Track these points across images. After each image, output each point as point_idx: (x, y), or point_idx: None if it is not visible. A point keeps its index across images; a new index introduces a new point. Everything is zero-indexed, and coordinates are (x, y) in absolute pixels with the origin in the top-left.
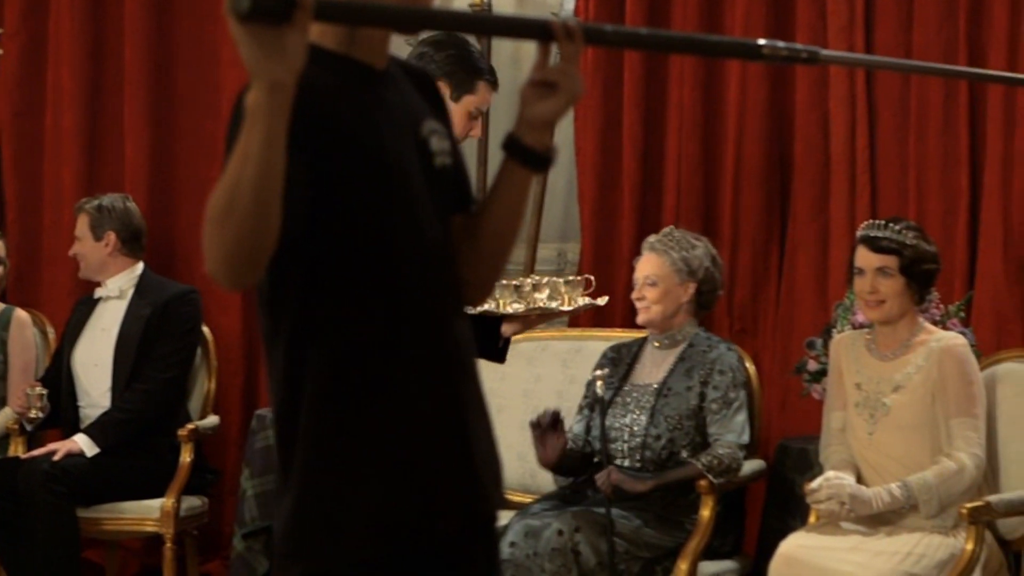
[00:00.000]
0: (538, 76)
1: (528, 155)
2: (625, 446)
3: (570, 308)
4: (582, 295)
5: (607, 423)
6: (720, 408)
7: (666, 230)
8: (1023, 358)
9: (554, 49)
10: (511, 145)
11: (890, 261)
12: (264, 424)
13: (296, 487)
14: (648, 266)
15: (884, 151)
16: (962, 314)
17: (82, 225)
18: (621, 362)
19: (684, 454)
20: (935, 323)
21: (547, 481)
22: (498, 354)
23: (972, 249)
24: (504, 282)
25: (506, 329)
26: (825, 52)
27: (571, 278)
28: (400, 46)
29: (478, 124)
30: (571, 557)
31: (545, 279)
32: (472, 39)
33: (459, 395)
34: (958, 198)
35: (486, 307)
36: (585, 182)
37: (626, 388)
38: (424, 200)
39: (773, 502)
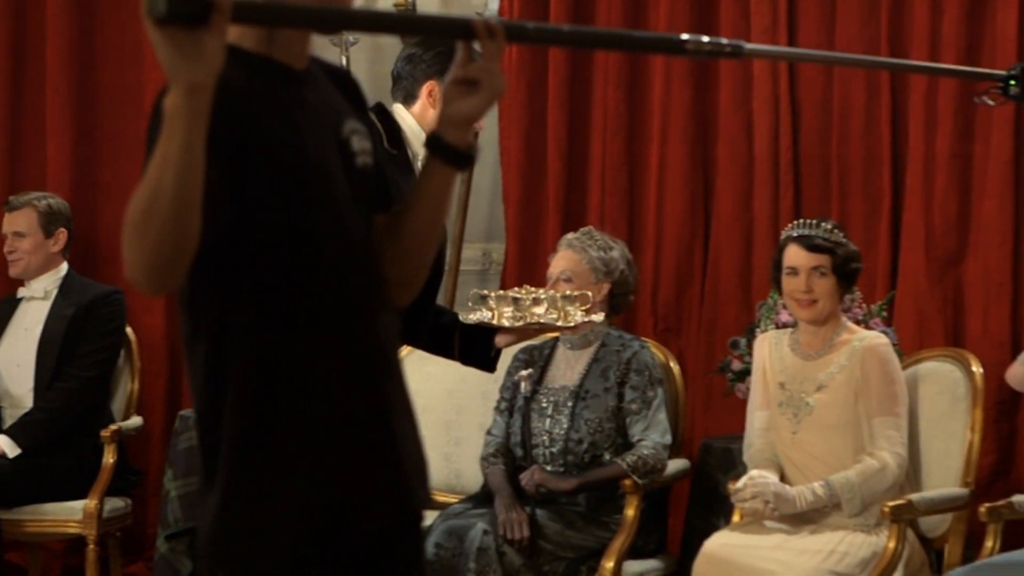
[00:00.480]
0: (460, 74)
1: (450, 153)
2: (547, 451)
3: (567, 324)
4: (580, 309)
5: (531, 425)
6: (640, 408)
7: (585, 229)
8: (945, 357)
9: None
10: (433, 143)
11: (824, 260)
12: (188, 425)
13: (220, 488)
14: (564, 262)
15: (807, 151)
16: (884, 313)
17: (28, 221)
18: (534, 364)
19: (607, 456)
20: (858, 322)
21: (472, 481)
22: (489, 363)
23: (894, 249)
24: (502, 294)
25: (500, 340)
26: (749, 46)
27: (568, 293)
28: (389, 47)
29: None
30: (496, 557)
31: (543, 293)
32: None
33: (384, 394)
34: (880, 198)
35: (482, 317)
36: (510, 182)
37: (541, 391)
38: (346, 199)
39: (697, 501)
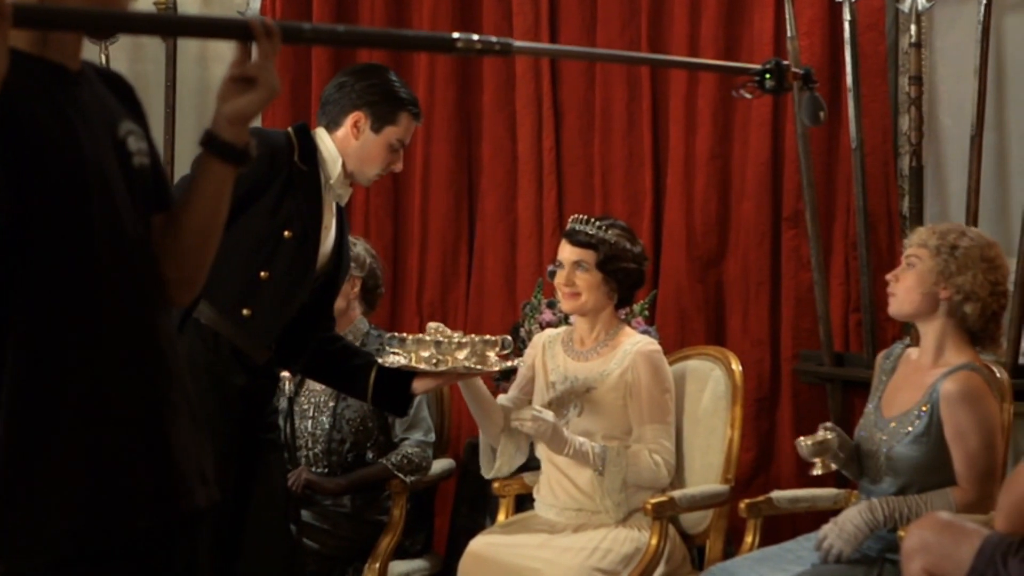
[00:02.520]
0: (237, 72)
1: (226, 150)
2: (310, 452)
3: (486, 368)
4: (497, 354)
5: (295, 424)
6: None
7: None
8: (705, 355)
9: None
10: (209, 140)
11: (587, 255)
12: None
13: None
14: None
15: (570, 152)
16: (646, 312)
17: None
18: None
19: (370, 455)
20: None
21: None
22: (402, 407)
23: (656, 248)
24: (424, 337)
25: (418, 386)
26: (518, 43)
27: (488, 337)
28: (150, 46)
29: (399, 157)
30: None
31: (465, 337)
32: (392, 71)
33: (160, 393)
34: (642, 198)
35: (399, 360)
36: None
37: (303, 392)
38: (123, 198)
39: (463, 500)
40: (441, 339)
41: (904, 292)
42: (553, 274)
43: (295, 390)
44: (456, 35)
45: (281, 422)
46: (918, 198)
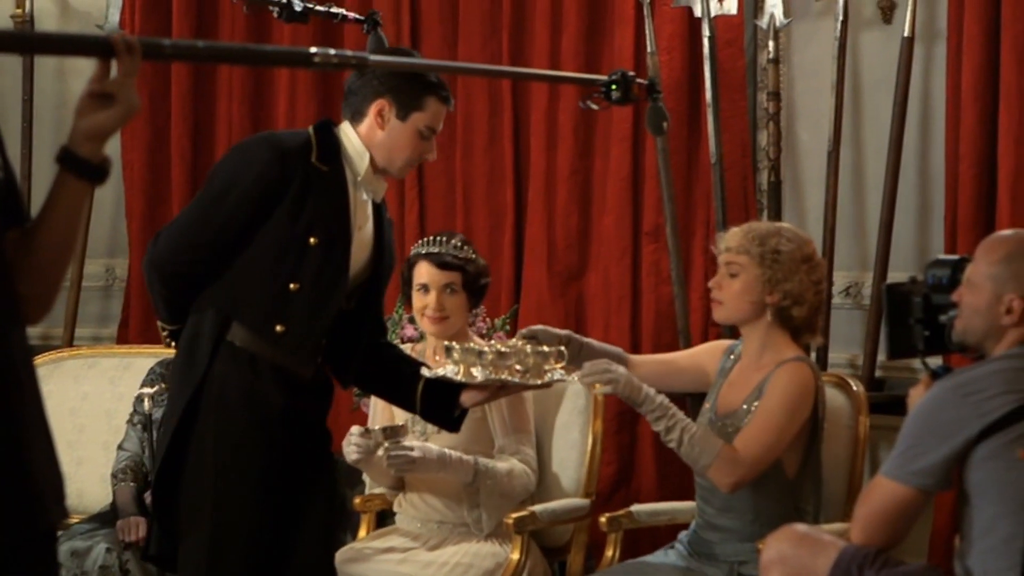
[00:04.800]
0: (96, 88)
1: (82, 167)
2: None
3: (540, 382)
4: (554, 366)
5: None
6: None
7: None
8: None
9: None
10: (65, 157)
11: (455, 278)
12: None
13: None
14: None
15: (431, 166)
16: (508, 327)
17: None
18: (167, 380)
19: None
20: (482, 336)
21: (95, 501)
22: (452, 422)
23: (518, 263)
24: (469, 346)
25: (466, 399)
26: (374, 57)
27: (543, 349)
28: (3, 59)
29: (432, 145)
30: (119, 575)
31: (517, 347)
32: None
33: (13, 411)
34: (504, 213)
35: (445, 372)
36: (133, 197)
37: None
38: None
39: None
40: (486, 350)
41: (732, 300)
42: (408, 296)
43: (158, 407)
44: (313, 50)
45: (151, 436)
46: (776, 213)
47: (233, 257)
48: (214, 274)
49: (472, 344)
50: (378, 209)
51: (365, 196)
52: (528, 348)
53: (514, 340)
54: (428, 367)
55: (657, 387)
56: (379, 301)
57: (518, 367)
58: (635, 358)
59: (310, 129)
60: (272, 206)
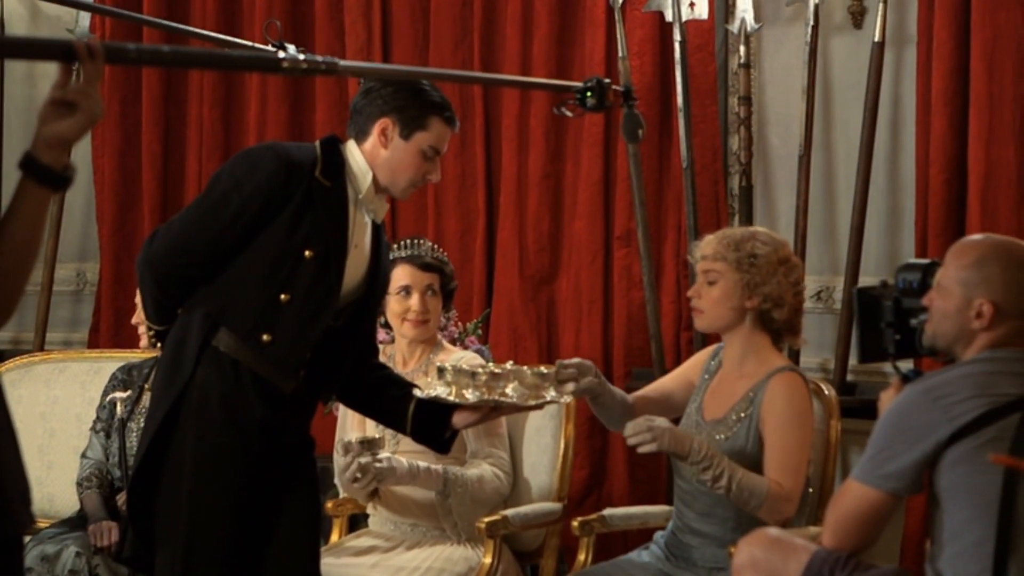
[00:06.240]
0: (58, 95)
1: (45, 174)
2: None
3: (534, 403)
4: (552, 388)
5: (127, 447)
6: None
7: None
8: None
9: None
10: (28, 164)
11: (435, 279)
12: None
13: None
14: None
15: None
16: (479, 331)
17: None
18: (133, 384)
19: None
20: (454, 341)
21: (65, 505)
22: (443, 444)
23: (489, 267)
24: (464, 367)
25: (458, 420)
26: (344, 63)
27: (541, 370)
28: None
29: (436, 166)
30: None
31: (512, 369)
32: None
33: None
34: (475, 217)
35: (438, 392)
36: (104, 202)
37: (138, 412)
38: None
39: None
40: (479, 370)
41: (712, 307)
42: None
43: (129, 410)
44: (282, 55)
45: (115, 443)
46: (748, 217)
47: (228, 262)
48: (207, 278)
49: (462, 366)
50: (377, 230)
51: (366, 216)
52: (527, 369)
53: (548, 367)
54: (419, 388)
55: None
56: (371, 321)
57: (509, 390)
58: (637, 401)
59: (317, 143)
60: (272, 215)
